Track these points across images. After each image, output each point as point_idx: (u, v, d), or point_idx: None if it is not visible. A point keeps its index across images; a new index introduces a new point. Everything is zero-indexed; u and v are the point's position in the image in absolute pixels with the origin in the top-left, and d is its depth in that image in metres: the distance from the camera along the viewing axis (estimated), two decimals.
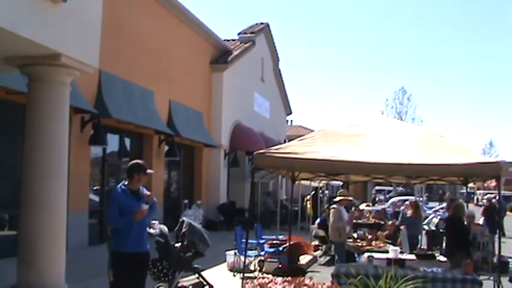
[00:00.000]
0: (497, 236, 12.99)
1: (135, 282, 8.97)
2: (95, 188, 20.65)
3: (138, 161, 9.48)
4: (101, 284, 12.44)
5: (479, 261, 12.72)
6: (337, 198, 16.05)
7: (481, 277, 12.01)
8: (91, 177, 19.78)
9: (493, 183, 70.73)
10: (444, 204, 31.05)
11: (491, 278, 12.82)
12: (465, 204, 16.76)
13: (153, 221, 12.46)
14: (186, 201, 26.34)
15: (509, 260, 12.97)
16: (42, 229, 10.59)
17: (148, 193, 9.11)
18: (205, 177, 29.72)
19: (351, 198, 16.28)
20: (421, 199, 26.91)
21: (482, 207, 31.69)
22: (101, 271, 12.84)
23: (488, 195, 43.93)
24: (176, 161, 26.15)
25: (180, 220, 12.31)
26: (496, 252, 12.06)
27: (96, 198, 20.74)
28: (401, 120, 51.75)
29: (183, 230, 11.88)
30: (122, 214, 8.72)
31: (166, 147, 24.44)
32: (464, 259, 11.50)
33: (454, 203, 15.67)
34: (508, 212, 51.08)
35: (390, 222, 19.01)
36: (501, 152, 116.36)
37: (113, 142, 21.19)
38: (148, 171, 9.29)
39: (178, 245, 11.88)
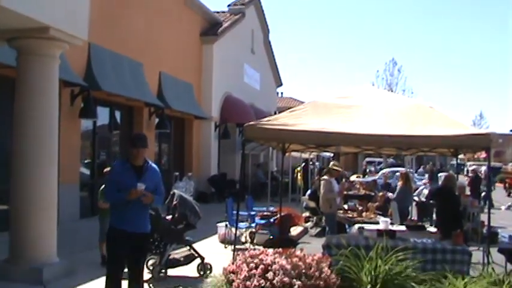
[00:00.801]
0: (487, 207, 13.08)
1: (130, 263, 8.58)
2: (85, 161, 20.61)
3: (136, 133, 9.04)
4: (92, 257, 12.51)
5: (469, 232, 12.82)
6: (327, 170, 16.09)
7: (471, 248, 12.11)
8: (81, 151, 19.74)
9: (483, 154, 71.05)
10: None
11: (481, 248, 12.93)
12: (456, 176, 16.87)
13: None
14: (177, 173, 26.38)
15: (499, 230, 13.06)
16: (33, 202, 10.64)
17: (142, 189, 8.18)
18: (196, 150, 29.70)
19: (341, 169, 16.29)
20: (411, 170, 26.97)
21: (468, 179, 31.91)
22: (93, 244, 12.93)
23: (474, 166, 44.16)
24: (167, 133, 26.09)
25: (171, 192, 12.30)
26: (486, 223, 12.14)
27: (87, 171, 20.71)
28: (392, 91, 51.64)
29: (174, 203, 11.89)
30: (120, 190, 8.31)
31: (157, 120, 24.32)
32: (454, 230, 11.59)
33: (446, 175, 15.79)
34: (497, 184, 51.35)
35: (381, 194, 19.10)
36: (491, 123, 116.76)
37: (103, 115, 21.10)
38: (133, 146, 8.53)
39: (169, 217, 11.91)
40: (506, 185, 45.80)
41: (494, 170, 54.27)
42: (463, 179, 26.94)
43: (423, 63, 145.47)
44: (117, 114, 22.90)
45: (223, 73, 31.46)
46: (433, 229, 13.49)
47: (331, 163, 17.52)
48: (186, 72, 27.96)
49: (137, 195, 8.14)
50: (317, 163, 34.41)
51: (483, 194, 25.64)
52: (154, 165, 8.77)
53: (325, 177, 16.00)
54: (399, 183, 17.17)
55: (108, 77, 19.65)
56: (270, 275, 8.61)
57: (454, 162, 20.18)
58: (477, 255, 12.84)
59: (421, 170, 46.12)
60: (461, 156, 17.34)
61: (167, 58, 25.53)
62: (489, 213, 11.46)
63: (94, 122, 20.37)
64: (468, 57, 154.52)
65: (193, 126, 29.35)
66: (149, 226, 8.77)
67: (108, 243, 8.69)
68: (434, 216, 15.49)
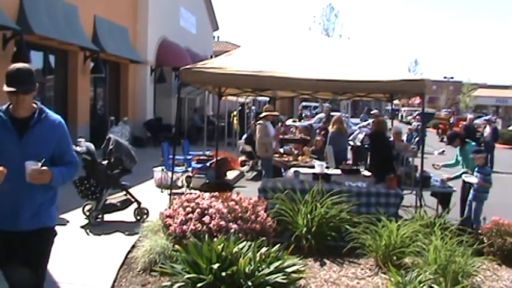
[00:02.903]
0: (420, 151, 13.33)
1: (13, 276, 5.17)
2: None
3: (13, 67, 5.17)
4: None
5: (402, 176, 13.06)
6: (263, 114, 16.13)
7: (404, 191, 12.38)
8: None
9: (418, 100, 72.07)
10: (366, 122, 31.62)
11: (414, 192, 13.22)
12: (390, 121, 17.12)
13: (80, 139, 12.40)
14: (112, 118, 26.11)
15: (431, 175, 13.34)
16: None
17: (38, 167, 4.98)
18: (132, 94, 29.43)
19: (276, 113, 16.34)
20: (346, 115, 27.27)
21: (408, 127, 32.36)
22: None
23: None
24: (102, 77, 25.76)
25: (107, 137, 12.21)
26: (419, 167, 12.39)
27: None
28: (329, 36, 51.78)
29: (110, 147, 11.81)
30: None
31: (92, 64, 23.99)
32: (387, 174, 11.81)
33: (377, 119, 15.98)
34: (430, 129, 52.35)
35: (318, 138, 19.25)
36: (426, 70, 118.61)
37: (36, 59, 20.65)
38: (6, 88, 5.07)
39: (105, 162, 11.83)
40: (439, 130, 46.65)
41: (428, 116, 55.31)
42: (398, 124, 27.31)
43: (361, 9, 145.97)
44: (51, 59, 22.40)
45: (158, 17, 31.01)
46: (367, 173, 13.72)
47: (265, 107, 17.56)
48: (122, 15, 27.45)
49: (3, 175, 4.82)
50: (253, 107, 34.49)
51: (417, 139, 26.11)
52: (54, 117, 5.43)
53: (260, 121, 16.03)
54: (331, 128, 17.29)
55: (41, 20, 19.15)
56: (206, 218, 8.68)
57: (389, 107, 20.46)
58: (410, 198, 13.14)
59: (363, 115, 46.66)
60: (396, 101, 17.59)
61: (102, 1, 25.00)
62: (422, 157, 11.69)
63: None
64: (405, 5, 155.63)
65: (128, 70, 29.00)
66: (48, 219, 5.42)
67: None
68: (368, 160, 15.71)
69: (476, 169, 11.92)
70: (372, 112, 32.89)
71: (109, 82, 27.92)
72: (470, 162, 12.24)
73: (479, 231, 10.44)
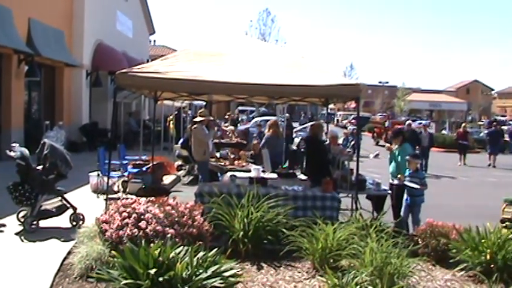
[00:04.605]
0: (355, 155, 13.50)
1: None
2: None
3: None
4: None
5: (338, 179, 13.22)
6: (198, 119, 16.11)
7: (341, 194, 12.53)
8: None
9: (353, 104, 73.16)
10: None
11: (350, 195, 13.38)
12: (325, 125, 17.28)
13: (13, 144, 12.20)
14: (47, 122, 25.79)
15: (367, 178, 13.55)
16: None
17: None
18: (67, 98, 29.05)
19: (211, 117, 16.34)
20: (282, 119, 27.43)
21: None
22: None
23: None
24: (37, 81, 25.32)
25: (42, 142, 12.04)
26: (354, 170, 12.55)
27: None
28: (265, 41, 52.08)
29: (45, 152, 11.66)
30: None
31: (26, 67, 23.59)
32: (323, 177, 11.93)
33: (313, 123, 16.14)
34: (366, 133, 53.04)
35: (255, 142, 19.33)
36: (361, 74, 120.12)
37: None
38: None
39: (40, 167, 11.68)
40: (375, 134, 47.26)
41: (363, 120, 56.05)
42: (333, 128, 27.60)
43: (297, 15, 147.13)
44: None
45: (94, 20, 30.75)
46: (303, 177, 13.83)
47: (199, 111, 17.58)
48: (57, 18, 27.11)
49: None
50: (189, 111, 34.46)
51: (352, 142, 26.43)
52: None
53: (195, 125, 15.98)
54: (267, 132, 17.36)
55: None
56: (143, 223, 8.65)
57: (325, 111, 20.62)
58: (346, 201, 13.30)
59: (302, 119, 47.01)
60: (331, 105, 17.78)
61: (37, 4, 24.63)
62: (358, 161, 11.84)
63: None
64: (341, 10, 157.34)
65: (64, 74, 28.62)
66: None
67: None
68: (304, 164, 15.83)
69: (408, 173, 12.17)
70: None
71: (44, 86, 27.47)
72: (402, 163, 12.48)
73: (414, 233, 10.66)
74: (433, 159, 27.08)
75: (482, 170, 30.30)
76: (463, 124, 37.94)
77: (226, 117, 38.18)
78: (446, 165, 30.29)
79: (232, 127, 28.31)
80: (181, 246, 7.35)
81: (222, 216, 9.98)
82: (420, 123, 38.97)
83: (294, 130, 32.02)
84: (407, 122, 30.63)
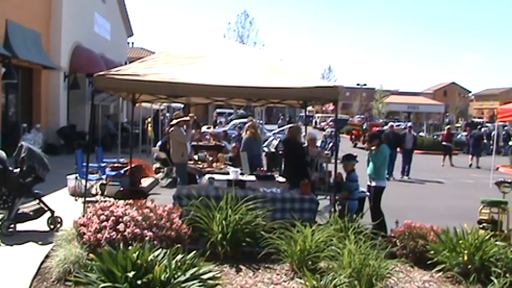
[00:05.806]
0: (333, 157, 13.57)
1: None
2: None
3: None
4: None
5: (316, 181, 13.27)
6: (175, 121, 16.07)
7: (319, 196, 12.58)
8: None
9: (331, 107, 73.13)
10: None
11: (328, 197, 13.43)
12: (304, 127, 17.33)
13: None
14: (24, 125, 25.61)
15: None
16: None
17: None
18: (45, 100, 28.87)
19: (187, 118, 16.30)
20: (261, 122, 27.47)
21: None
22: None
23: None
24: (14, 83, 25.20)
25: (19, 145, 12.00)
26: (332, 172, 12.61)
27: None
28: (243, 43, 52.09)
29: (22, 155, 11.60)
30: None
31: (3, 70, 23.43)
32: (302, 179, 11.97)
33: (291, 125, 16.18)
34: (344, 135, 53.25)
35: (234, 145, 19.35)
36: (339, 77, 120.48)
37: None
38: None
39: (17, 170, 11.62)
40: (353, 136, 47.45)
41: (341, 122, 56.25)
42: (312, 130, 27.68)
43: (275, 17, 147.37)
44: None
45: (72, 22, 30.58)
46: (282, 179, 13.85)
47: (175, 113, 17.53)
48: (35, 20, 26.93)
49: None
50: (167, 114, 34.40)
51: (330, 144, 26.49)
52: None
53: (172, 128, 15.93)
54: (244, 134, 17.39)
55: None
56: (121, 226, 8.65)
57: (303, 114, 20.66)
58: (324, 203, 13.36)
59: (280, 121, 47.11)
60: (310, 108, 17.83)
61: (14, 6, 24.46)
62: (336, 163, 11.89)
63: None
64: (319, 13, 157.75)
65: (41, 76, 28.45)
66: None
67: None
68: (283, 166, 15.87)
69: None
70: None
71: (21, 88, 27.28)
72: (376, 165, 12.59)
73: (392, 235, 10.73)
74: (413, 161, 27.16)
75: (462, 171, 30.57)
76: (448, 126, 38.31)
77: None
78: (426, 167, 30.47)
79: (211, 129, 28.32)
80: (160, 249, 7.35)
81: (200, 219, 9.99)
82: (398, 125, 39.16)
83: (272, 132, 32.05)
84: (389, 124, 30.77)
